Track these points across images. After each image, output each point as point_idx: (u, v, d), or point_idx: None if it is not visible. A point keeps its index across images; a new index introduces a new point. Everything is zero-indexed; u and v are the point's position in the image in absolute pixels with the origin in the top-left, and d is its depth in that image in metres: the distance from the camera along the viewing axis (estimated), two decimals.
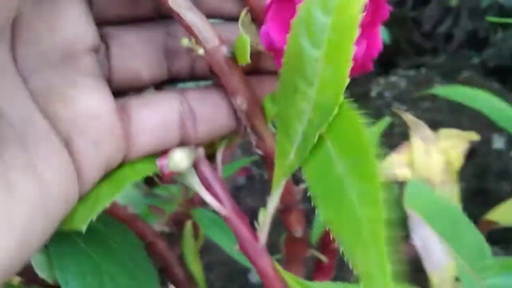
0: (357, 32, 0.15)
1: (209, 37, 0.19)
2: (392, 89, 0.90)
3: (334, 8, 0.15)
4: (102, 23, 0.20)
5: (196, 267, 0.50)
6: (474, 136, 0.31)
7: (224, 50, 0.20)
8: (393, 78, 0.92)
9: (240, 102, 0.21)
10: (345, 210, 0.15)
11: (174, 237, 0.48)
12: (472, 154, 0.77)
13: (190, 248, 0.50)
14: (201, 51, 0.20)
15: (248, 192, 0.79)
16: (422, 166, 0.28)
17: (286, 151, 0.19)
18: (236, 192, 0.80)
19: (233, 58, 0.20)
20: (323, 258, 0.32)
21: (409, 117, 0.29)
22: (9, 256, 0.15)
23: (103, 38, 0.20)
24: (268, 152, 0.22)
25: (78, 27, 0.18)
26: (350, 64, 0.15)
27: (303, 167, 0.18)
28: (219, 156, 0.23)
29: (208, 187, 0.22)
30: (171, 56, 0.21)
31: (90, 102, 0.18)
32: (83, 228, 0.19)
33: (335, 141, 0.17)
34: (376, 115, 0.87)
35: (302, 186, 0.30)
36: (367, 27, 0.18)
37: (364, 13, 0.16)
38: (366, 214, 0.15)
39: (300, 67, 0.17)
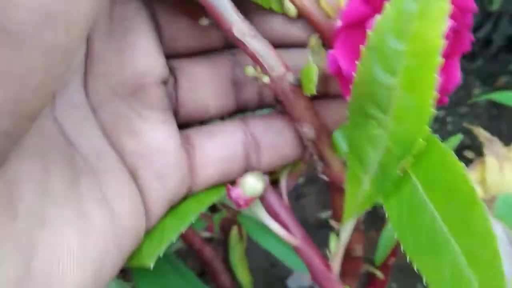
0: (438, 60, 0.14)
1: (274, 65, 0.19)
2: None
3: (410, 34, 0.15)
4: (171, 55, 0.20)
5: (243, 274, 0.50)
6: None
7: (290, 77, 0.19)
8: None
9: (308, 129, 0.20)
10: (448, 267, 0.14)
11: (219, 242, 0.49)
12: None
13: (237, 254, 0.50)
14: (266, 79, 0.19)
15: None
16: (495, 183, 0.28)
17: (359, 179, 0.18)
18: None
19: (299, 85, 0.19)
20: (379, 273, 0.32)
21: (482, 133, 0.29)
22: (79, 273, 0.15)
23: (171, 70, 0.20)
24: (336, 179, 0.21)
25: (147, 60, 0.18)
26: (433, 93, 0.15)
27: (385, 204, 0.17)
28: (283, 183, 0.22)
29: (275, 216, 0.21)
30: (239, 86, 0.21)
31: (157, 135, 0.18)
32: (151, 264, 0.19)
33: (426, 183, 0.16)
34: None
35: None
36: (445, 59, 0.16)
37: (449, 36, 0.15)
38: (480, 277, 0.14)
39: (372, 94, 0.16)
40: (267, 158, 0.20)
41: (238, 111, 0.22)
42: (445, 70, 0.17)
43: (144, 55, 0.18)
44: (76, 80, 0.17)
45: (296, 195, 0.78)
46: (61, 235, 0.15)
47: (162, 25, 0.19)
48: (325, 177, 0.21)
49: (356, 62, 0.16)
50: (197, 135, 0.20)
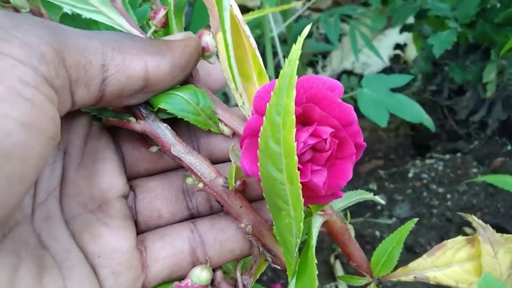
0: (295, 158, 0.16)
1: (205, 172, 0.22)
2: (429, 171, 0.87)
3: (281, 138, 0.17)
4: (133, 176, 0.24)
5: None
6: None
7: (221, 181, 0.22)
8: (429, 161, 0.90)
9: (244, 225, 0.22)
10: None
11: None
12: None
13: None
14: (200, 185, 0.22)
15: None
16: (490, 268, 0.27)
17: (290, 264, 0.20)
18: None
19: (230, 188, 0.22)
20: None
21: (475, 220, 0.28)
22: None
23: (132, 187, 0.24)
24: (283, 266, 0.22)
25: (111, 180, 0.22)
26: (299, 185, 0.17)
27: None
28: (239, 277, 0.23)
29: None
30: (189, 196, 0.24)
31: (114, 239, 0.21)
32: None
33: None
34: (415, 196, 0.84)
35: None
36: (329, 159, 0.19)
37: (327, 147, 0.18)
38: None
39: (275, 190, 0.18)
40: (213, 253, 0.23)
41: (193, 217, 0.24)
42: (335, 169, 0.19)
43: (108, 177, 0.22)
44: (52, 199, 0.21)
45: None
46: None
47: (125, 154, 0.24)
48: (277, 266, 0.23)
49: (257, 165, 0.18)
50: (150, 237, 0.23)
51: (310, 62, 1.02)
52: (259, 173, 0.18)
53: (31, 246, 0.19)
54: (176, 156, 0.22)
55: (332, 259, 0.76)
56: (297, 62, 0.16)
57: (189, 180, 0.22)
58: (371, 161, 0.94)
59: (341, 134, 0.18)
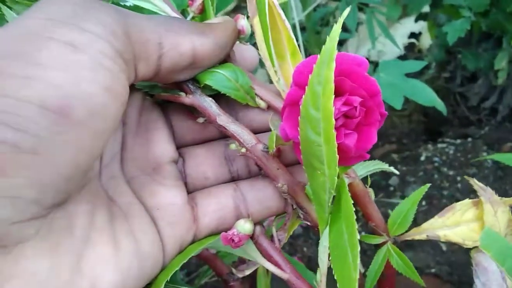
0: (333, 121, 0.18)
1: (247, 139, 0.24)
2: (440, 155, 0.89)
3: (320, 105, 0.19)
4: (181, 145, 0.26)
5: None
6: None
7: (260, 146, 0.24)
8: (441, 145, 0.91)
9: (281, 185, 0.24)
10: (344, 256, 0.20)
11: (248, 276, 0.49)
12: None
13: (263, 284, 0.50)
14: (243, 150, 0.24)
15: (303, 240, 0.79)
16: (491, 225, 0.29)
17: (322, 219, 0.23)
18: (293, 241, 0.80)
19: (268, 152, 0.24)
20: None
21: (476, 183, 0.30)
22: (112, 277, 0.20)
23: (181, 154, 0.26)
24: (314, 222, 0.25)
25: (163, 147, 0.25)
26: (336, 145, 0.19)
27: (329, 231, 0.22)
28: (274, 232, 0.26)
29: (269, 257, 0.25)
30: (230, 161, 0.26)
31: (169, 195, 0.24)
32: (161, 287, 0.23)
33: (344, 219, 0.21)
34: (426, 178, 0.86)
35: None
36: (358, 125, 0.21)
37: (357, 114, 0.20)
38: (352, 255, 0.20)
39: (312, 151, 0.20)
40: (253, 209, 0.25)
41: (234, 180, 0.27)
42: (363, 134, 0.22)
43: (160, 144, 0.25)
44: (115, 162, 0.24)
45: (316, 240, 0.78)
46: (100, 250, 0.20)
47: (174, 126, 0.26)
48: (308, 222, 0.25)
49: (298, 129, 0.20)
50: (199, 195, 0.25)
51: None
52: (298, 136, 0.20)
53: (102, 198, 0.22)
54: (221, 126, 0.24)
55: None
56: (337, 39, 0.18)
57: (233, 146, 0.25)
58: (385, 145, 0.96)
59: (368, 103, 0.21)
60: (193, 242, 0.25)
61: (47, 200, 0.17)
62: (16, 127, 0.16)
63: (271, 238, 0.26)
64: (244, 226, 0.24)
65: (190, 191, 0.26)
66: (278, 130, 0.23)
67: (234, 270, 0.28)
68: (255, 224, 0.25)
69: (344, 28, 0.97)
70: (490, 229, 0.27)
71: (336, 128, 0.20)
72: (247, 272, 0.27)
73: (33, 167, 0.16)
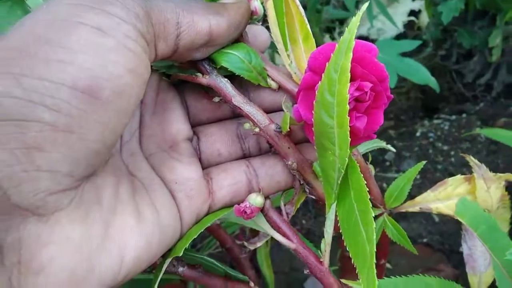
0: (347, 107, 0.19)
1: (261, 119, 0.25)
2: (435, 131, 0.91)
3: (336, 91, 0.20)
4: (196, 124, 0.27)
5: (267, 270, 0.53)
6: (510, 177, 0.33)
7: (273, 126, 0.25)
8: (436, 121, 0.93)
9: (291, 162, 0.25)
10: (356, 232, 0.21)
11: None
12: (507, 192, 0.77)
13: (262, 254, 0.52)
14: (256, 130, 0.25)
15: (302, 213, 0.81)
16: (483, 200, 0.31)
17: (330, 195, 0.24)
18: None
19: (280, 131, 0.25)
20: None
21: (471, 159, 0.32)
22: (138, 254, 0.21)
23: (195, 132, 0.27)
24: (320, 197, 0.26)
25: (178, 126, 0.26)
26: (348, 128, 0.20)
27: (337, 206, 0.23)
28: (282, 205, 0.27)
29: (278, 229, 0.26)
30: (242, 139, 0.27)
31: (186, 170, 0.25)
32: (180, 253, 0.24)
33: (355, 192, 0.22)
34: (421, 153, 0.88)
35: None
36: (367, 108, 0.22)
37: (367, 98, 0.21)
38: (365, 230, 0.21)
39: (324, 133, 0.21)
40: (264, 184, 0.26)
41: (246, 157, 0.28)
42: (372, 116, 0.23)
43: (176, 123, 0.26)
44: (134, 139, 0.25)
45: (315, 213, 0.80)
46: (126, 219, 0.21)
47: (189, 106, 0.27)
48: (313, 197, 0.26)
49: (312, 112, 0.21)
50: (214, 170, 0.26)
51: (327, 28, 1.04)
52: (311, 118, 0.21)
53: (124, 172, 0.23)
54: (236, 106, 0.25)
55: None
56: (355, 31, 0.19)
57: (247, 126, 0.26)
58: (383, 122, 0.97)
59: (377, 88, 0.22)
60: (208, 213, 0.26)
61: (78, 173, 0.19)
62: (52, 108, 0.17)
63: (279, 211, 0.27)
64: (256, 200, 0.25)
65: (205, 167, 0.27)
66: (291, 111, 0.24)
67: (246, 243, 0.29)
68: (265, 198, 0.26)
69: (345, 7, 0.97)
70: (465, 198, 0.29)
71: (348, 112, 0.21)
72: (259, 245, 0.29)
73: (67, 144, 0.17)
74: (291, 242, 0.26)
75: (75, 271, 0.18)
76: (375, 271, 0.20)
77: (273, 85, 0.26)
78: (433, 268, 0.70)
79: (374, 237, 0.20)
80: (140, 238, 0.21)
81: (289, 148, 0.25)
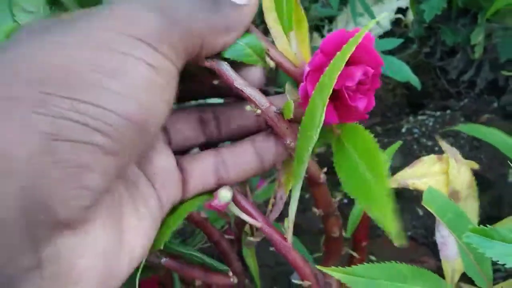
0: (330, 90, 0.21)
1: (262, 102, 0.25)
2: (420, 127, 0.92)
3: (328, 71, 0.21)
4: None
5: (252, 261, 0.54)
6: (474, 165, 0.35)
7: (273, 108, 0.26)
8: (421, 117, 0.94)
9: (289, 142, 0.26)
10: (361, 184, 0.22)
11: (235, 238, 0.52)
12: (489, 186, 0.78)
13: (248, 251, 0.53)
14: (258, 111, 0.25)
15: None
16: (454, 178, 0.33)
17: (297, 175, 0.25)
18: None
19: (280, 113, 0.26)
20: (356, 254, 0.36)
21: (443, 144, 0.34)
22: (144, 252, 0.23)
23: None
24: (312, 175, 0.27)
25: None
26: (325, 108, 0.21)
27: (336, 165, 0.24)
28: (248, 190, 0.29)
29: (245, 210, 0.28)
30: (204, 122, 0.28)
31: (161, 160, 0.26)
32: (161, 246, 0.25)
33: (355, 147, 0.23)
34: (406, 149, 0.89)
35: (337, 198, 0.34)
36: (366, 91, 0.24)
37: (368, 81, 0.23)
38: (376, 184, 0.21)
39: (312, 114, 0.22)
40: (233, 173, 0.27)
41: (208, 142, 0.29)
42: (367, 98, 0.24)
43: None
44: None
45: (302, 208, 0.81)
46: (130, 220, 0.22)
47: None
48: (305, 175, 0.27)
49: None
50: (186, 160, 0.27)
51: (316, 26, 1.05)
52: None
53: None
54: (238, 88, 0.25)
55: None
56: (367, 30, 0.21)
57: (248, 108, 0.26)
58: (370, 118, 0.99)
59: (376, 72, 0.24)
60: (181, 202, 0.26)
61: (109, 187, 0.20)
62: (104, 133, 0.18)
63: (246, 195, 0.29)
64: (226, 196, 0.26)
65: (175, 153, 0.27)
66: (294, 97, 0.25)
67: (251, 238, 0.31)
68: (233, 187, 0.27)
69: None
70: (433, 188, 0.30)
71: (353, 92, 0.23)
72: (259, 238, 0.31)
73: (111, 165, 0.19)
74: (256, 221, 0.27)
75: (103, 279, 0.20)
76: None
77: (271, 64, 0.27)
78: (417, 260, 0.71)
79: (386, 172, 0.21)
80: (143, 236, 0.23)
81: (287, 128, 0.26)
